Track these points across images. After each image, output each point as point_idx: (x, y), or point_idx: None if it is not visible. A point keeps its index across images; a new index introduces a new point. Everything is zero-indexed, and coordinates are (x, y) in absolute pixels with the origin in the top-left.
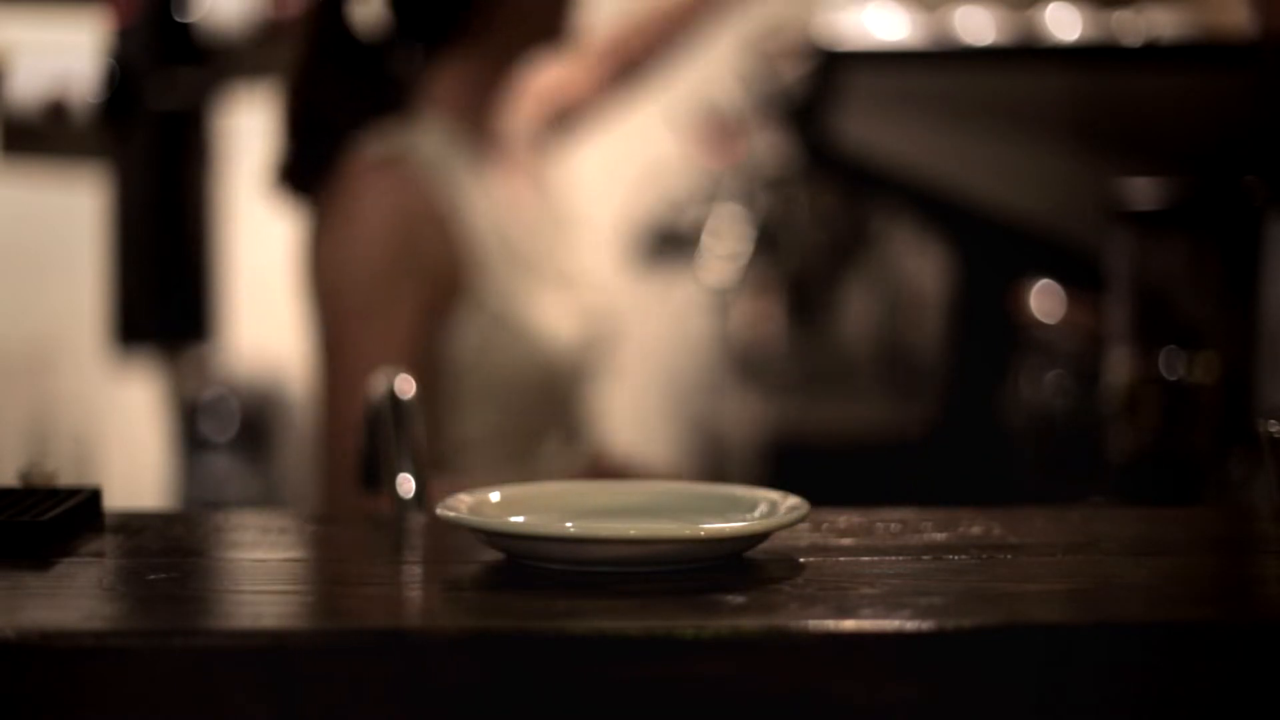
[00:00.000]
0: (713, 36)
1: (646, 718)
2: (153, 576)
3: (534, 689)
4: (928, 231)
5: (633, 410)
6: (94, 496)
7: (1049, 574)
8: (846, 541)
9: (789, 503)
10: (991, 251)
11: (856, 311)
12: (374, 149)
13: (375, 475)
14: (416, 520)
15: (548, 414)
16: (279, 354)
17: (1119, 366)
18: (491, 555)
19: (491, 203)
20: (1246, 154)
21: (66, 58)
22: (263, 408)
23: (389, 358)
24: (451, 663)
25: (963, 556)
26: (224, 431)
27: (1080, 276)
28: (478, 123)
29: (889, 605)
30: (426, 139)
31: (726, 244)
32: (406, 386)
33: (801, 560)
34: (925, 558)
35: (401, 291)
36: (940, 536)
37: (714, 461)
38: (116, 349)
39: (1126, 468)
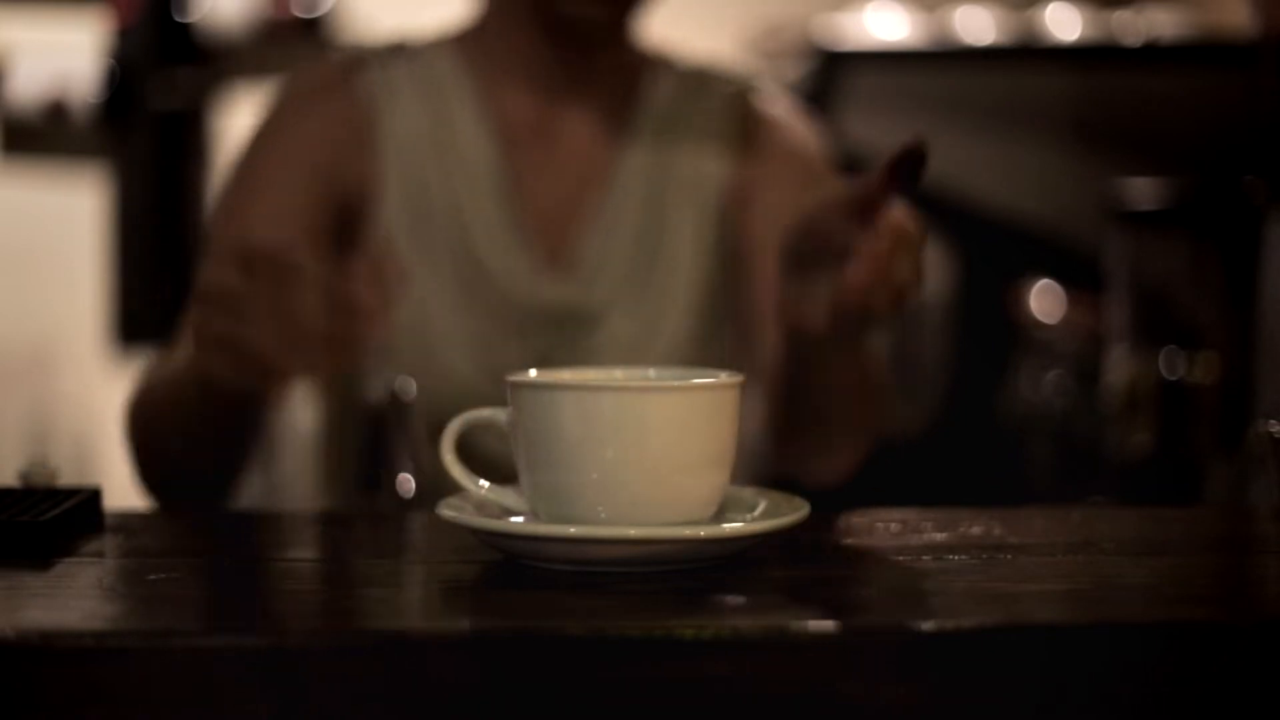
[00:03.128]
0: (711, 32)
1: (646, 718)
2: (153, 576)
3: (534, 689)
4: (928, 231)
5: None
6: (94, 496)
7: (1049, 574)
8: (847, 541)
9: (789, 503)
10: (991, 251)
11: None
12: (325, 63)
13: (375, 475)
14: (416, 520)
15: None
16: None
17: (1119, 366)
18: (491, 555)
19: (463, 175)
20: (1246, 154)
21: (66, 58)
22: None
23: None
24: (451, 663)
25: (963, 556)
26: None
27: (1080, 276)
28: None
29: (889, 605)
30: (394, 66)
31: None
32: (406, 387)
33: (802, 560)
34: (925, 558)
35: (287, 172)
36: (940, 536)
37: None
38: (116, 349)
39: (1126, 468)
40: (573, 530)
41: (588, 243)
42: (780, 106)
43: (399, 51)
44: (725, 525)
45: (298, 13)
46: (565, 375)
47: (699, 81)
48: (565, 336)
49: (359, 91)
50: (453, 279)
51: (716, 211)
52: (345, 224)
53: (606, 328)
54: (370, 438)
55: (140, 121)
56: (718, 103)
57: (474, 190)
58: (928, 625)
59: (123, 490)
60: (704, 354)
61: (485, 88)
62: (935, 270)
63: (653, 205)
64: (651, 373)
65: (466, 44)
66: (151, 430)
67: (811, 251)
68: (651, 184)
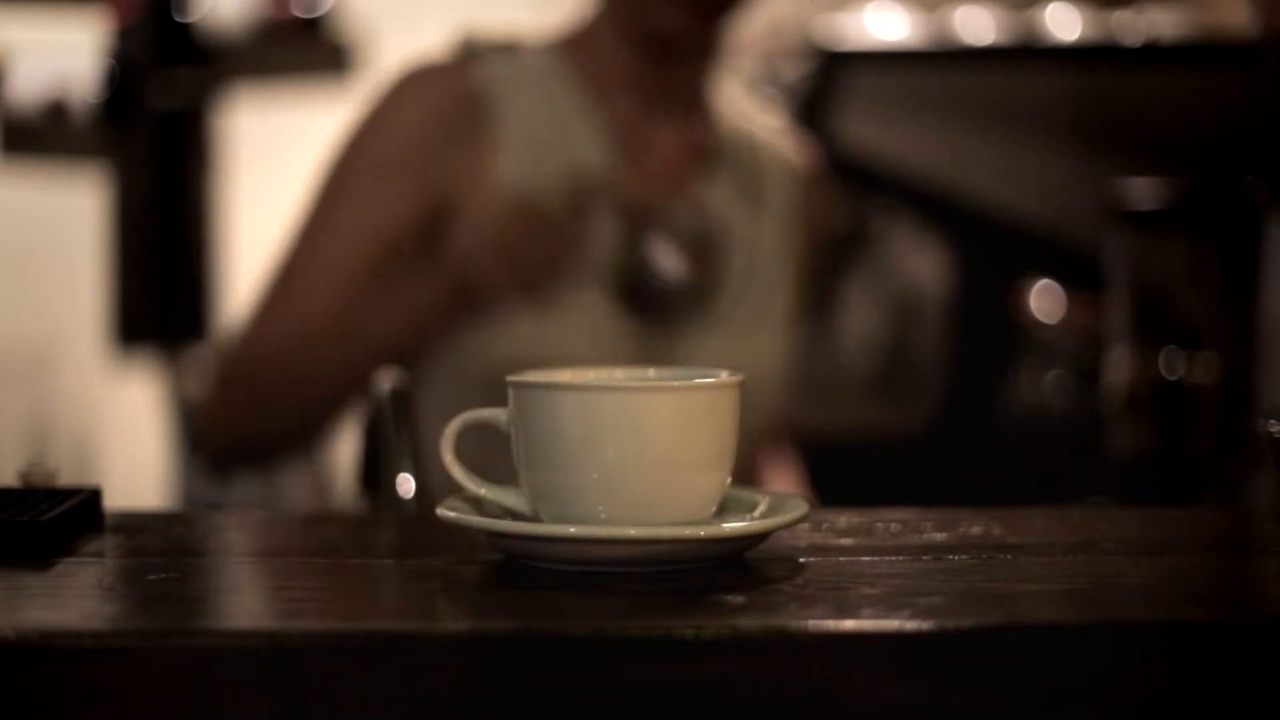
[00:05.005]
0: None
1: (646, 718)
2: (153, 576)
3: (534, 689)
4: (928, 231)
5: None
6: (94, 496)
7: (1049, 574)
8: (846, 541)
9: (789, 503)
10: (991, 251)
11: (856, 311)
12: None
13: (375, 475)
14: (416, 520)
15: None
16: None
17: (1119, 366)
18: (491, 555)
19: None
20: (1246, 154)
21: (66, 58)
22: None
23: (351, 254)
24: (451, 663)
25: (963, 556)
26: None
27: (1080, 276)
28: (608, 94)
29: (889, 605)
30: (510, 64)
31: None
32: (406, 385)
33: (801, 560)
34: (925, 558)
35: (389, 184)
36: (940, 536)
37: None
38: (116, 349)
39: (1126, 468)
40: (573, 530)
41: None
42: (802, 148)
43: (510, 52)
44: (725, 525)
45: (298, 13)
46: (565, 375)
47: (745, 118)
48: (665, 343)
49: (476, 86)
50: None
51: (788, 226)
52: (440, 215)
53: (702, 337)
54: (370, 438)
55: (140, 121)
56: (765, 144)
57: (588, 196)
58: (928, 625)
59: (123, 490)
60: (784, 372)
61: (593, 92)
62: (935, 270)
63: (742, 216)
64: (651, 372)
65: (572, 51)
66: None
67: None
68: (738, 196)
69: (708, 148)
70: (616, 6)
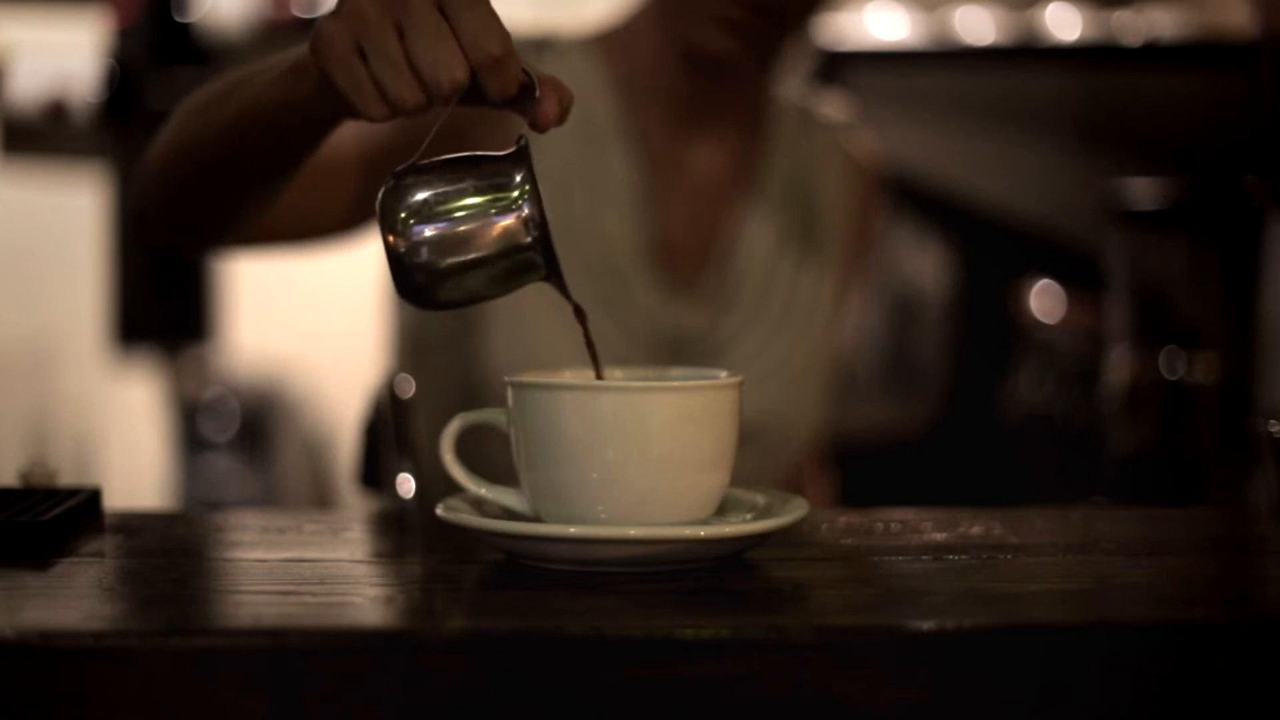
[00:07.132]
0: None
1: (646, 718)
2: (153, 576)
3: (534, 689)
4: (928, 231)
5: None
6: (94, 496)
7: (1049, 574)
8: (847, 541)
9: (789, 503)
10: (991, 251)
11: (857, 311)
12: None
13: (374, 475)
14: (416, 520)
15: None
16: (279, 354)
17: (1119, 366)
18: (491, 555)
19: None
20: (1246, 154)
21: (66, 58)
22: (263, 408)
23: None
24: (451, 663)
25: (963, 556)
26: (224, 431)
27: (1080, 276)
28: (640, 104)
29: (889, 605)
30: (542, 64)
31: None
32: (406, 386)
33: (802, 560)
34: (925, 558)
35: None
36: (940, 536)
37: None
38: (116, 349)
39: (1126, 468)
40: (573, 530)
41: (720, 276)
42: (864, 145)
43: (546, 48)
44: (725, 525)
45: (298, 13)
46: (565, 375)
47: (804, 120)
48: (686, 361)
49: None
50: (587, 287)
51: (839, 260)
52: None
53: (727, 359)
54: (369, 438)
55: (140, 121)
56: (824, 145)
57: (616, 205)
58: (928, 625)
59: (123, 490)
60: (820, 399)
61: (627, 102)
62: (935, 270)
63: (785, 250)
64: (651, 373)
65: (611, 52)
66: (205, 117)
67: None
68: (784, 228)
69: (752, 174)
70: (659, 14)
